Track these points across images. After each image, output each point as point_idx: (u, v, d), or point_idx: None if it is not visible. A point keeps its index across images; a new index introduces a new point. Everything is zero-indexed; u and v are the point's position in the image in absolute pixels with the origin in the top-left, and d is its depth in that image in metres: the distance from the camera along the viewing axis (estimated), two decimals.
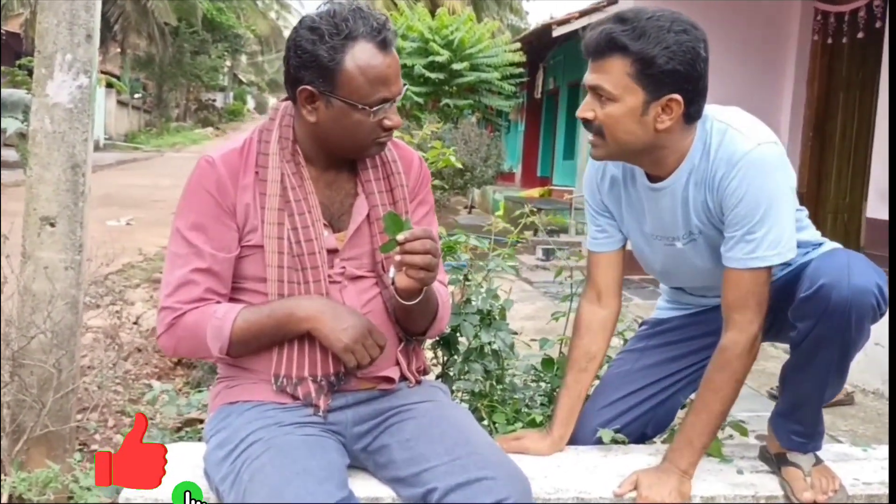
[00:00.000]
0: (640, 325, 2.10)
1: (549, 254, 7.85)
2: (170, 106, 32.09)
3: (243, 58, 42.19)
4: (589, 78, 1.59)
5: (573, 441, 1.86)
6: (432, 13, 11.18)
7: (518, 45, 9.49)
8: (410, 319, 1.59)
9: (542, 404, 2.16)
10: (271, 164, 1.55)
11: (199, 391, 2.40)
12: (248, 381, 1.56)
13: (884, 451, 1.96)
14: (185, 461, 1.65)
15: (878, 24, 6.31)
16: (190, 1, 25.93)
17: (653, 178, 1.71)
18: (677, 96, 1.55)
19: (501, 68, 8.99)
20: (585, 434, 1.86)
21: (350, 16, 1.46)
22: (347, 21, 1.46)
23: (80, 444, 3.33)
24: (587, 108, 1.61)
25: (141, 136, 25.87)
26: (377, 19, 1.48)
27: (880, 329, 4.33)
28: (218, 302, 1.54)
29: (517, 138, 16.74)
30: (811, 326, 1.58)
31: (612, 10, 8.71)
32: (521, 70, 9.44)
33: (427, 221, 1.70)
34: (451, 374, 2.06)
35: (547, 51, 12.31)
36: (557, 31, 10.04)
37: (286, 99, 1.62)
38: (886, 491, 1.72)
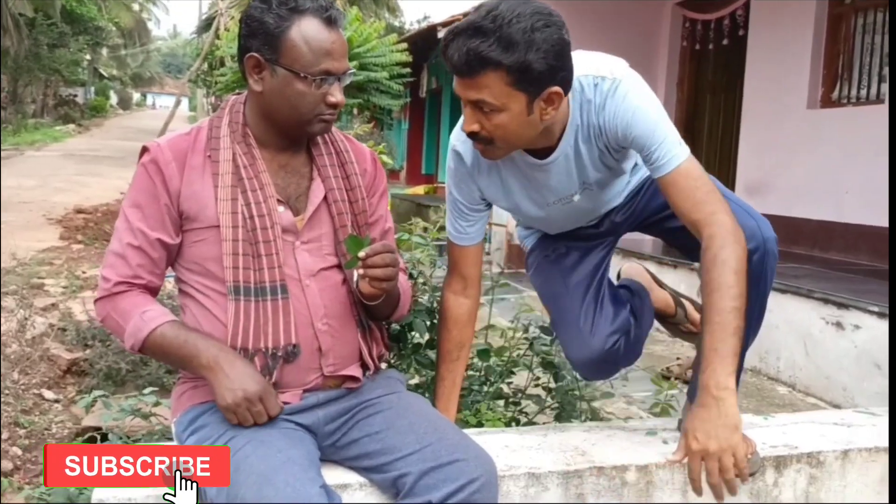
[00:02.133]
0: (529, 252, 2.11)
1: (441, 249, 8.03)
2: (26, 102, 30.13)
3: (104, 51, 40.14)
4: (467, 93, 1.57)
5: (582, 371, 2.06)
6: None
7: (404, 44, 9.60)
8: (375, 310, 1.68)
9: (477, 391, 2.28)
10: (222, 145, 1.60)
11: (131, 396, 2.35)
12: None
13: (782, 418, 2.21)
14: None
15: (741, 32, 6.85)
16: None
17: (539, 153, 1.72)
18: (556, 88, 1.56)
19: (389, 68, 9.08)
20: (589, 352, 1.94)
21: None
22: None
23: None
24: (472, 121, 1.60)
25: None
26: None
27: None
28: (150, 283, 1.60)
29: (401, 136, 16.88)
30: None
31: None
32: (408, 70, 9.55)
33: (387, 214, 1.80)
34: (401, 367, 2.15)
35: (430, 51, 12.51)
36: (442, 33, 10.22)
37: (238, 93, 1.69)
38: (790, 453, 1.95)
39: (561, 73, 1.56)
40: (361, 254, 1.51)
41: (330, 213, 1.66)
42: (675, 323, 2.23)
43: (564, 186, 1.79)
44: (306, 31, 1.53)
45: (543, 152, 1.72)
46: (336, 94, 1.57)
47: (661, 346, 4.95)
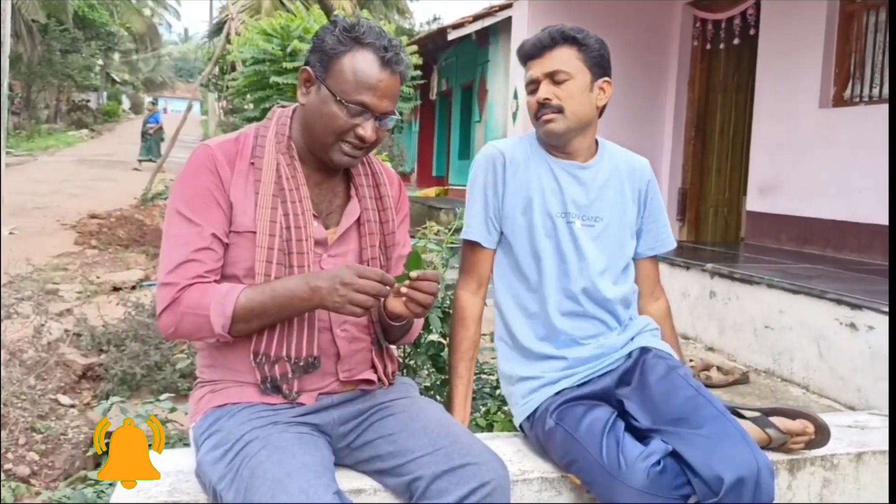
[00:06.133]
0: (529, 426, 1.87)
1: (454, 251, 8.03)
2: (39, 107, 30.37)
3: (116, 56, 40.37)
4: (544, 67, 1.91)
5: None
6: (327, 15, 11.12)
7: (414, 47, 9.63)
8: (391, 331, 1.71)
9: (489, 395, 2.29)
10: (267, 154, 1.64)
11: (147, 402, 2.38)
12: (233, 385, 1.61)
13: None
14: (166, 466, 1.68)
15: (752, 31, 6.82)
16: None
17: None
18: (609, 79, 1.95)
19: None
20: (630, 491, 1.61)
21: (368, 27, 1.60)
22: (363, 28, 1.59)
23: None
24: (545, 91, 1.91)
25: (10, 140, 24.33)
26: (389, 40, 1.60)
27: (766, 312, 4.67)
28: (216, 281, 1.59)
29: (412, 139, 16.90)
30: None
31: (504, 14, 8.98)
32: (418, 72, 9.58)
33: (407, 240, 1.83)
34: (416, 364, 2.16)
35: (440, 53, 12.53)
36: (452, 35, 10.26)
37: (283, 106, 1.73)
38: (804, 455, 1.95)
39: (608, 70, 1.95)
40: (413, 274, 1.53)
41: (360, 233, 1.70)
42: (778, 446, 1.93)
43: (598, 195, 1.95)
44: (358, 62, 1.57)
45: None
46: (366, 129, 1.60)
47: None
